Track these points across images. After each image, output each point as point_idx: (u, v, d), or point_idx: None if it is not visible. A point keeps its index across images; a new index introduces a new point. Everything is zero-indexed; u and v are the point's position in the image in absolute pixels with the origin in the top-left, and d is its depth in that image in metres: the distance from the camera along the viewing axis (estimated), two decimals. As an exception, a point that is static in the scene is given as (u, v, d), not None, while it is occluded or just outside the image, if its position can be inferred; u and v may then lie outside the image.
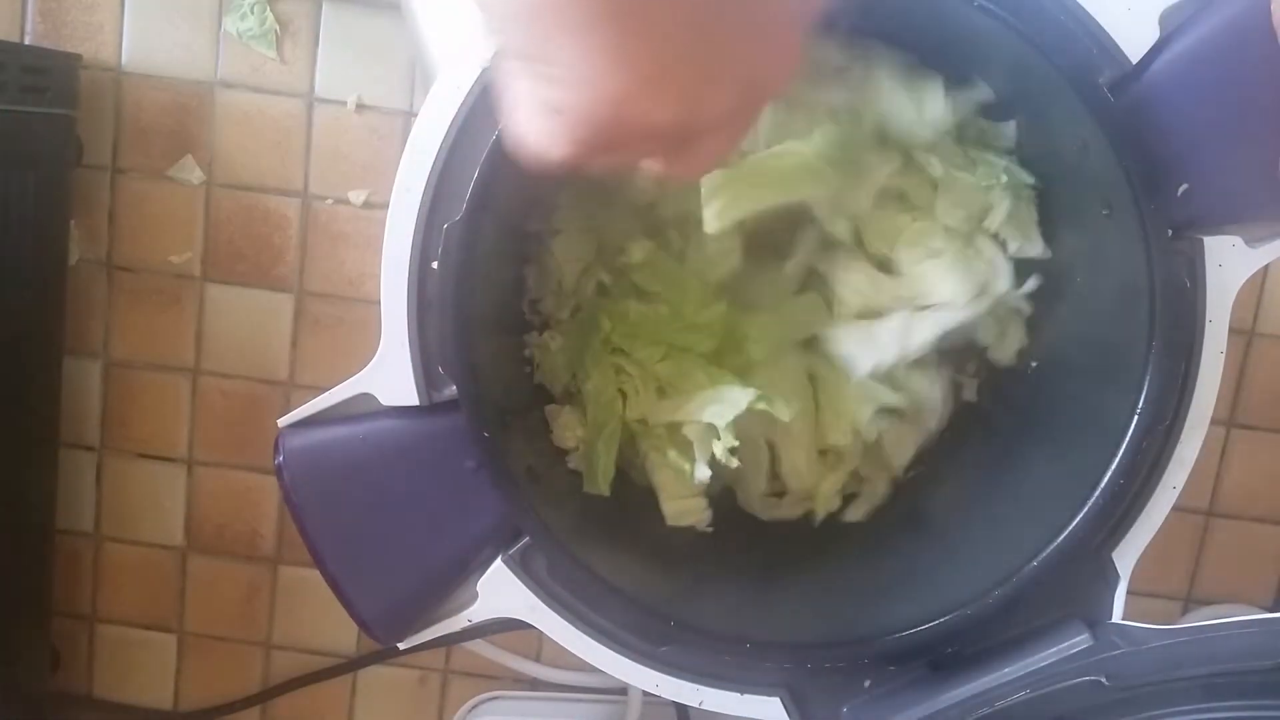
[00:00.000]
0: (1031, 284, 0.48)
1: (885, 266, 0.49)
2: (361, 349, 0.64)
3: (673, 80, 0.28)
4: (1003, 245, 0.48)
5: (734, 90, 0.29)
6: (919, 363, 0.50)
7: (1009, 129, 0.48)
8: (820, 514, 0.52)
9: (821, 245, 0.50)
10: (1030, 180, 0.48)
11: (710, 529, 0.51)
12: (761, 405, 0.46)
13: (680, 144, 0.31)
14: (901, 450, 0.52)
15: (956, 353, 0.52)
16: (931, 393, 0.51)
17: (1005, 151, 0.48)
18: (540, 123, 0.29)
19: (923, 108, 0.46)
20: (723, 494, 0.53)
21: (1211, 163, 0.41)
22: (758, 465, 0.52)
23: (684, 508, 0.50)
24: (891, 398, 0.50)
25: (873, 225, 0.49)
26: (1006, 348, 0.51)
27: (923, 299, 0.48)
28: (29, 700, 0.64)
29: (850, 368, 0.49)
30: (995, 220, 0.47)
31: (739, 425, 0.47)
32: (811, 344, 0.51)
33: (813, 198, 0.47)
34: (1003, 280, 0.48)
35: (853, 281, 0.49)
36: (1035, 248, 0.48)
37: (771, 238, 0.50)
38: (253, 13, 0.61)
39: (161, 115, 0.62)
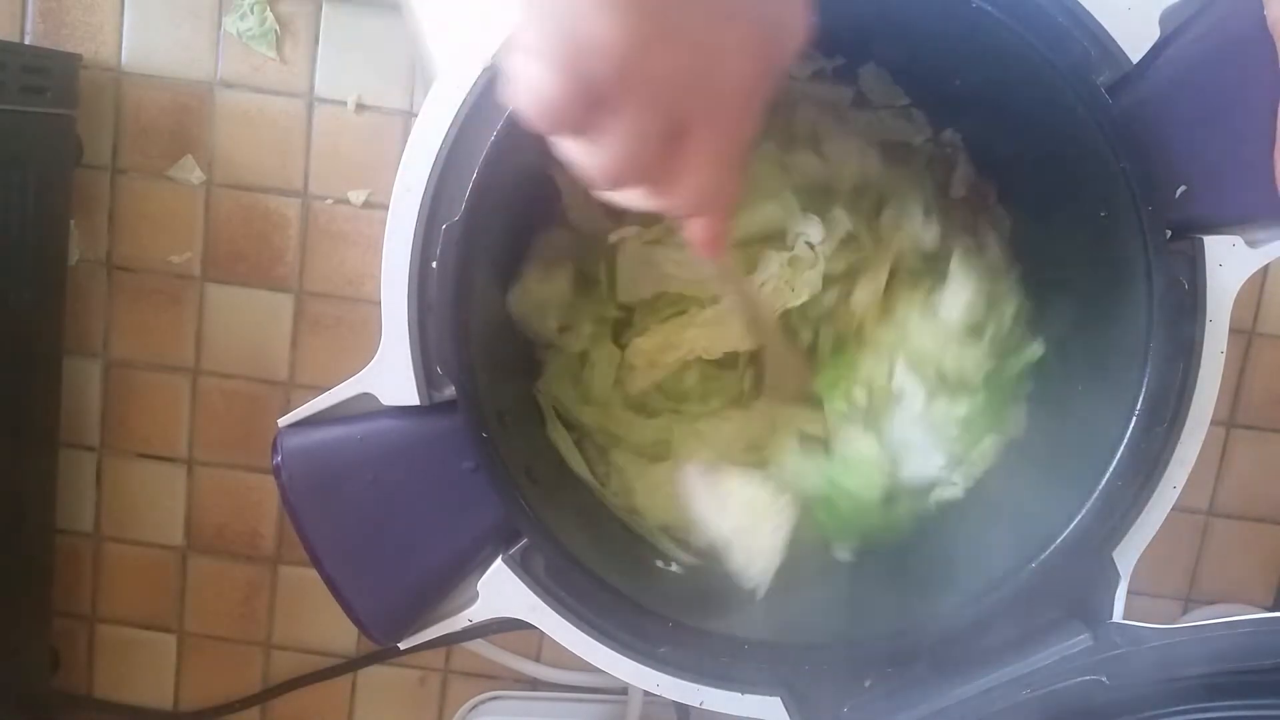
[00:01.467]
0: (1036, 349, 0.49)
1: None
2: (361, 349, 0.64)
3: (622, 7, 0.28)
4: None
5: (684, 48, 0.30)
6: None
7: (1036, 348, 0.49)
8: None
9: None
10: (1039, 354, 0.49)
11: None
12: None
13: (686, 126, 0.31)
14: None
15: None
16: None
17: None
18: (523, 73, 0.30)
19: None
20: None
21: (1210, 164, 0.41)
22: None
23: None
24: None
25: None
26: None
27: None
28: (29, 700, 0.64)
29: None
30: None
31: None
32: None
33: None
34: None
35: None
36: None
37: None
38: (253, 13, 0.61)
39: (161, 115, 0.62)
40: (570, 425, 0.51)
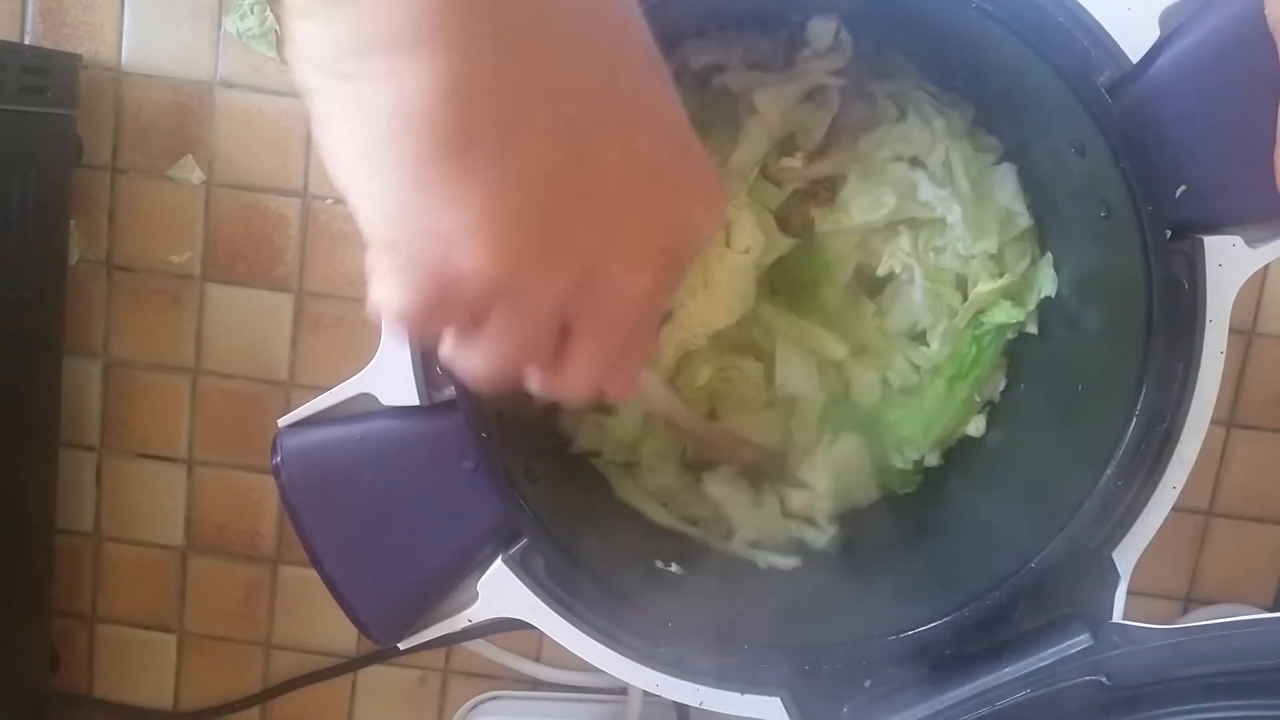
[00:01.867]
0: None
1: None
2: (361, 349, 0.63)
3: (499, 235, 0.26)
4: None
5: (568, 270, 0.27)
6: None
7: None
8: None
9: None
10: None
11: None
12: None
13: (536, 332, 0.28)
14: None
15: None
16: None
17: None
18: (383, 287, 0.27)
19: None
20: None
21: (1210, 164, 0.41)
22: None
23: None
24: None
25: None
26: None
27: None
28: (29, 700, 0.64)
29: None
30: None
31: None
32: None
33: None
34: None
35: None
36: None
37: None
38: (253, 13, 0.61)
39: (161, 115, 0.62)
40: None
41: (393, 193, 0.25)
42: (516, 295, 0.27)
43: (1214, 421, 0.43)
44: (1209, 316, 0.42)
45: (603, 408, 0.51)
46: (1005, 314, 0.49)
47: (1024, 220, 0.49)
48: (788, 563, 0.50)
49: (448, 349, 0.30)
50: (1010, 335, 0.50)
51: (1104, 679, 0.40)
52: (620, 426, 0.51)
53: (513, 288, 0.27)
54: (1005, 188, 0.49)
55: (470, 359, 0.29)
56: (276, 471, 0.42)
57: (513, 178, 0.25)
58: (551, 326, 0.29)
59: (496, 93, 0.25)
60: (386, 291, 0.27)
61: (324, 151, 0.26)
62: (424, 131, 0.24)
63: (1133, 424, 0.42)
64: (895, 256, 0.49)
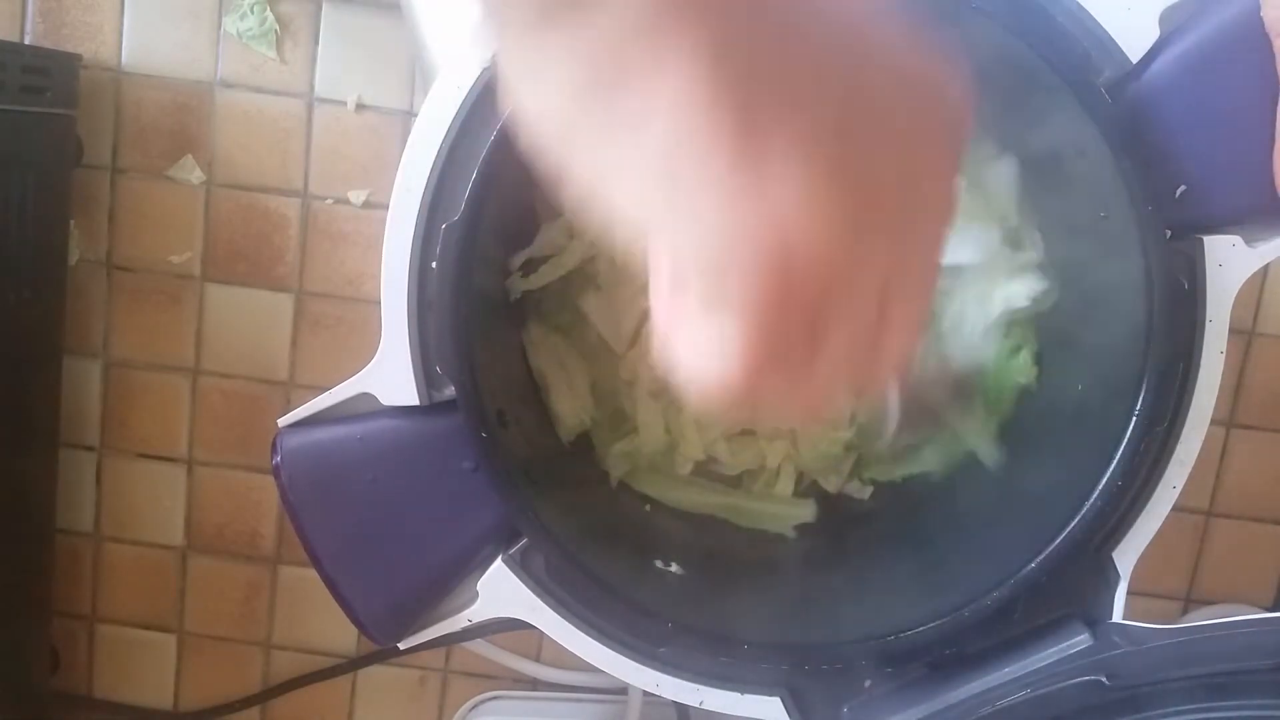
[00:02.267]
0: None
1: None
2: (361, 349, 0.63)
3: (829, 197, 0.23)
4: None
5: (892, 208, 0.24)
6: None
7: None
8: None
9: None
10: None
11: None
12: None
13: (865, 306, 0.25)
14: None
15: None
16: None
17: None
18: (704, 338, 0.24)
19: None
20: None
21: (1211, 164, 0.41)
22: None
23: None
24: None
25: None
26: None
27: None
28: (29, 700, 0.64)
29: None
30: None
31: None
32: None
33: None
34: None
35: None
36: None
37: None
38: (253, 13, 0.61)
39: (161, 115, 0.62)
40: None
41: (700, 200, 0.22)
42: (857, 264, 0.24)
43: (1214, 421, 0.43)
44: (1209, 316, 0.42)
45: (628, 432, 0.51)
46: (1029, 286, 0.48)
47: (1012, 191, 0.48)
48: (803, 513, 0.52)
49: (787, 403, 0.25)
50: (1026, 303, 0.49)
51: (1104, 679, 0.40)
52: (650, 440, 0.51)
53: (854, 255, 0.23)
54: (1003, 180, 0.49)
55: (794, 396, 0.25)
56: (276, 471, 0.42)
57: (812, 130, 0.23)
58: (878, 305, 0.25)
59: (758, 47, 0.22)
60: (707, 338, 0.24)
61: (590, 204, 0.23)
62: (712, 120, 0.22)
63: (1133, 424, 0.42)
64: None
